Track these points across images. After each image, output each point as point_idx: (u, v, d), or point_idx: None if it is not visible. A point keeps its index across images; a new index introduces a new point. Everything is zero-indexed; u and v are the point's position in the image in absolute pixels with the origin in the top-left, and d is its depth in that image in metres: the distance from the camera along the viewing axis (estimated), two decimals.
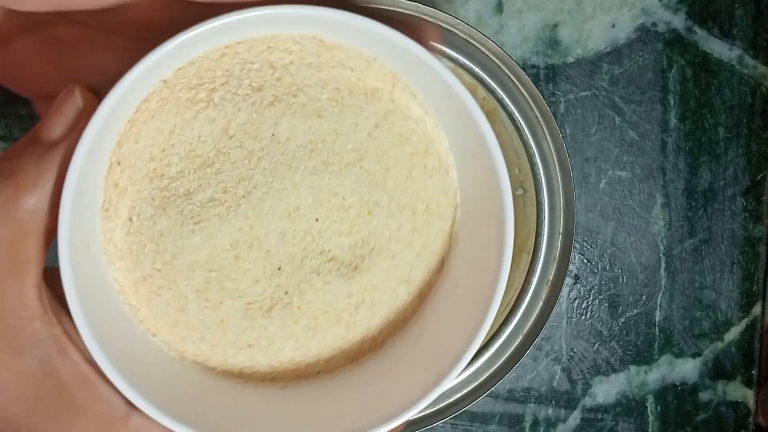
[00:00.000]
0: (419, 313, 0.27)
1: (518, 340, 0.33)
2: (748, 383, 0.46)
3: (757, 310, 0.45)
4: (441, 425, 0.34)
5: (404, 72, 0.25)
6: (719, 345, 0.45)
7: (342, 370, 0.26)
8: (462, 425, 0.44)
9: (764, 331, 0.46)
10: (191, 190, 0.24)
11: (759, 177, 0.45)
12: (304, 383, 0.26)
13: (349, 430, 0.24)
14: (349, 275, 0.26)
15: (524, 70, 0.33)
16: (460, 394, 0.33)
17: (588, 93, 0.43)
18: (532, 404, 0.44)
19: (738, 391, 0.46)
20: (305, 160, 0.25)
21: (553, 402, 0.45)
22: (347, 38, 0.24)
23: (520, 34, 0.42)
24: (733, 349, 0.45)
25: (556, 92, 0.43)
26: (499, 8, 0.42)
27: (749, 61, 0.44)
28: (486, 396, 0.33)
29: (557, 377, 0.45)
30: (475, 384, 0.33)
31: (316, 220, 0.25)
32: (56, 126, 0.21)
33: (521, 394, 0.44)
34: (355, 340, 0.26)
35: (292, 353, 0.26)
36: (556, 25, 0.42)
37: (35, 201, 0.20)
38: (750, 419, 0.46)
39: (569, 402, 0.45)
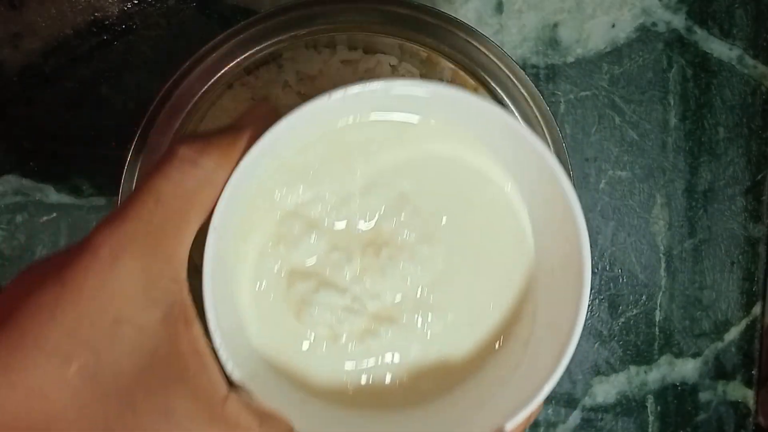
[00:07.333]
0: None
1: None
2: (748, 383, 0.46)
3: (757, 310, 0.45)
4: None
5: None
6: (719, 345, 0.45)
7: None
8: None
9: (764, 331, 0.46)
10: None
11: (759, 177, 0.45)
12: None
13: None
14: None
15: (524, 70, 0.33)
16: None
17: (588, 93, 0.43)
18: None
19: (738, 391, 0.46)
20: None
21: (553, 402, 0.45)
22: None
23: (520, 34, 0.42)
24: (733, 349, 0.45)
25: (556, 92, 0.43)
26: (499, 8, 0.42)
27: (749, 61, 0.44)
28: None
29: None
30: None
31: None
32: (248, 121, 0.25)
33: None
34: None
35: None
36: (556, 25, 0.42)
37: (218, 158, 0.23)
38: (750, 419, 0.46)
39: (569, 402, 0.45)
